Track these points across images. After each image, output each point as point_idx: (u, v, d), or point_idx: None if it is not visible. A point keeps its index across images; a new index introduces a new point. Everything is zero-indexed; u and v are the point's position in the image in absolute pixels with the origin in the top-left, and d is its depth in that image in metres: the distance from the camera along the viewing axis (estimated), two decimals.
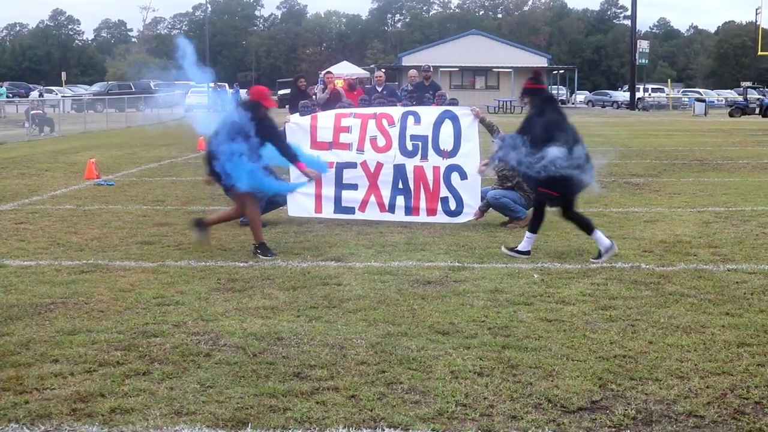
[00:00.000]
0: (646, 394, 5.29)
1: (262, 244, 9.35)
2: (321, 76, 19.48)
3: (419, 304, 7.35)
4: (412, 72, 18.36)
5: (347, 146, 11.42)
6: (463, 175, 11.24)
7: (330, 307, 7.24)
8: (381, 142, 11.41)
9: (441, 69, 68.00)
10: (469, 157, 11.28)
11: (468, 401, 5.13)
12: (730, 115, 55.04)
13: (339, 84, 18.32)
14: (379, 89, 16.91)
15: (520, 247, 9.38)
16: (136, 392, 5.26)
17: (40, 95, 57.39)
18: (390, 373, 5.60)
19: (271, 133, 9.37)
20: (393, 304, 7.32)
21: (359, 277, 8.30)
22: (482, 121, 11.58)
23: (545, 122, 8.91)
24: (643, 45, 76.87)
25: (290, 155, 9.56)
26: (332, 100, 15.79)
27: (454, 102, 13.99)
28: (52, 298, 7.51)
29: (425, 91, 16.42)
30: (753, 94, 64.00)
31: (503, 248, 9.54)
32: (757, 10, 68.92)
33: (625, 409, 5.03)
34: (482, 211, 11.37)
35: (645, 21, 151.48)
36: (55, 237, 10.49)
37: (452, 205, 11.29)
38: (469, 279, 8.29)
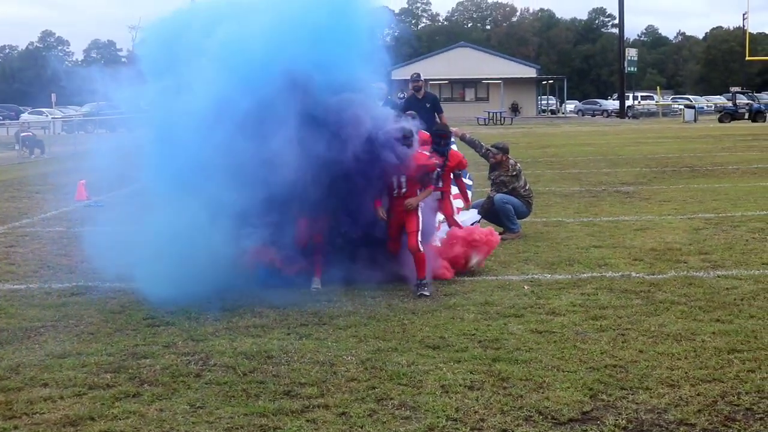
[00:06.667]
0: (636, 403, 5.29)
1: None
2: None
3: (409, 318, 7.34)
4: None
5: None
6: None
7: (320, 324, 7.22)
8: None
9: (430, 82, 68.07)
10: None
11: (459, 415, 5.13)
12: (720, 120, 55.19)
13: None
14: None
15: None
16: (126, 415, 5.24)
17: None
18: (380, 389, 5.59)
19: None
20: (383, 320, 7.31)
21: (349, 293, 8.29)
22: (463, 138, 11.45)
23: None
24: (632, 53, 77.09)
25: None
26: None
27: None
28: (42, 322, 7.48)
29: (420, 105, 14.18)
30: (742, 99, 64.17)
31: None
32: (744, 15, 69.36)
33: (616, 419, 5.03)
34: (485, 209, 11.31)
35: (633, 29, 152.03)
36: (45, 260, 10.46)
37: None
38: (459, 292, 8.29)
